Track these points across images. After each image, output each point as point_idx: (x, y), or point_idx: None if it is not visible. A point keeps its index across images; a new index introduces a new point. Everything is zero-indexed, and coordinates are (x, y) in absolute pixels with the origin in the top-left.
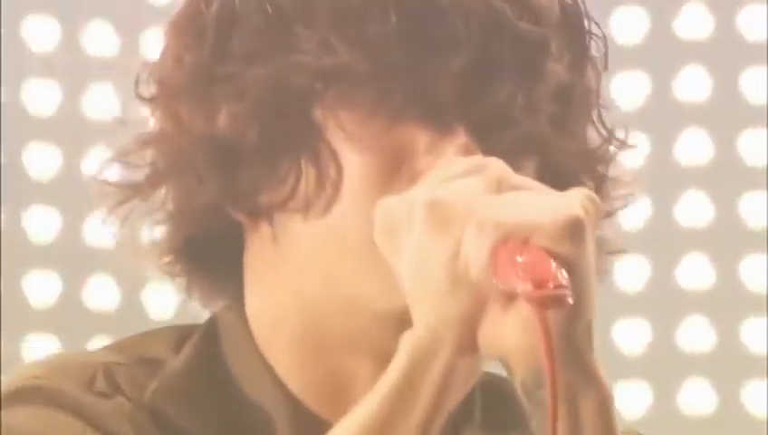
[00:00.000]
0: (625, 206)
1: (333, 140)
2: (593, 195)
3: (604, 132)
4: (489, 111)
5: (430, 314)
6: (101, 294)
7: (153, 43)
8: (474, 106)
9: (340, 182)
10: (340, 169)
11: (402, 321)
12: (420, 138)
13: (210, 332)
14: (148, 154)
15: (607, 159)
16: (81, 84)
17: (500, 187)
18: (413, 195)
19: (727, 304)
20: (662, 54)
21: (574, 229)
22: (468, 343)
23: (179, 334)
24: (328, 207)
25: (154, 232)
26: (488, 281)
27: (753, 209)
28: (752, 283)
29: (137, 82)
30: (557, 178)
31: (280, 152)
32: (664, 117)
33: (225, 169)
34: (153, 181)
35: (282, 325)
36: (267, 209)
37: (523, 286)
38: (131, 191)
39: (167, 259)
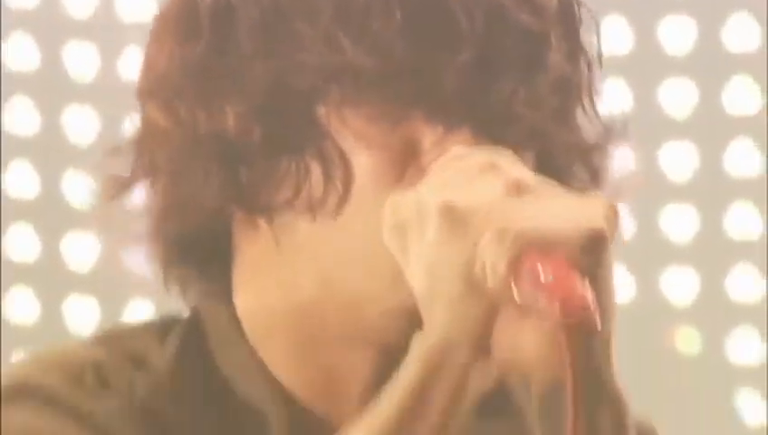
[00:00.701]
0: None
1: (340, 140)
2: (614, 204)
3: (598, 124)
4: (494, 107)
5: (443, 320)
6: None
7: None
8: (479, 102)
9: (351, 182)
10: (348, 169)
11: (408, 315)
12: (426, 135)
13: (195, 328)
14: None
15: (602, 151)
16: None
17: (519, 190)
18: (425, 194)
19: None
20: None
21: (598, 242)
22: (482, 349)
23: (163, 328)
24: (340, 206)
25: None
26: (506, 291)
27: (675, 161)
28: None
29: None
30: (554, 169)
31: (284, 151)
32: None
33: (229, 167)
34: (149, 174)
35: (277, 325)
36: (269, 209)
37: (549, 307)
38: (125, 182)
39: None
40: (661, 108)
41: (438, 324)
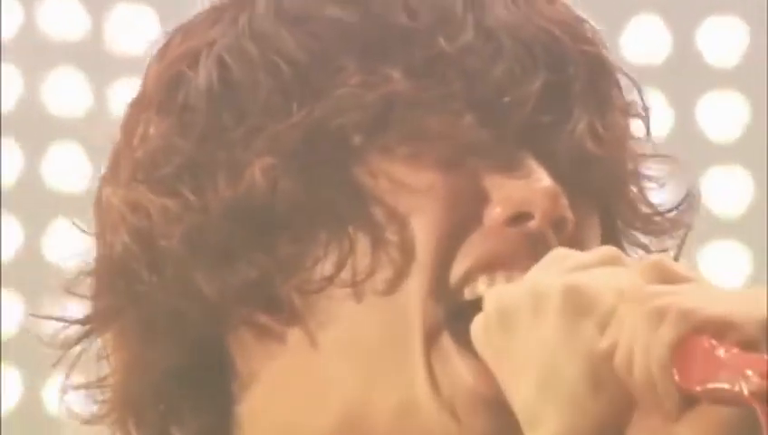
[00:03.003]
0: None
1: (392, 200)
2: None
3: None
4: (566, 145)
5: (561, 421)
6: None
7: None
8: (549, 140)
9: (411, 251)
10: (407, 234)
11: (493, 405)
12: (494, 182)
13: None
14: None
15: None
16: None
17: (663, 277)
18: (540, 280)
19: None
20: None
21: None
22: None
23: None
24: (398, 280)
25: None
26: (665, 382)
27: None
28: None
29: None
30: (611, 231)
31: (321, 220)
32: None
33: (253, 243)
34: (113, 310)
35: None
36: (304, 291)
37: (736, 384)
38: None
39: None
40: None
41: (554, 426)
